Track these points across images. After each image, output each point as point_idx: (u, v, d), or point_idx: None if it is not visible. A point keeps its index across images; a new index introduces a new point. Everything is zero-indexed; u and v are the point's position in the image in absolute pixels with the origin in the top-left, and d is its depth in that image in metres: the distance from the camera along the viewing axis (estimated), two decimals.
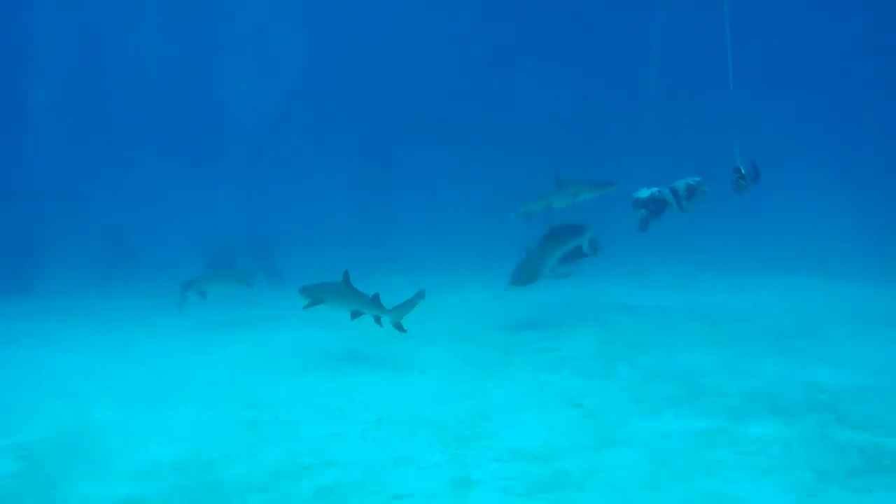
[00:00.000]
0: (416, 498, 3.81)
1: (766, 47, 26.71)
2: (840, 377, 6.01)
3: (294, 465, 4.42)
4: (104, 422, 5.58)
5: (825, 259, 15.42)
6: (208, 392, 6.46)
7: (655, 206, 8.34)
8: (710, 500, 3.61)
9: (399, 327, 7.26)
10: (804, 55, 28.19)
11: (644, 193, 8.42)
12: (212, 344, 9.19)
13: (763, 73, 26.00)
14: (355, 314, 7.28)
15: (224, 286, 11.31)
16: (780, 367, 6.49)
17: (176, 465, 4.52)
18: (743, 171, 6.95)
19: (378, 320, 7.31)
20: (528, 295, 9.47)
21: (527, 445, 4.57)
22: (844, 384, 5.76)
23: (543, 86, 30.66)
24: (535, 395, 5.87)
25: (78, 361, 8.27)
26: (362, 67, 33.62)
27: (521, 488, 3.86)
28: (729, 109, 7.41)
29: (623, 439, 4.63)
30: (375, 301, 7.24)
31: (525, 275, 8.67)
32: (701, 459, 4.19)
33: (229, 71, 32.13)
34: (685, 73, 25.72)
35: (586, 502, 3.65)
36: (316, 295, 7.57)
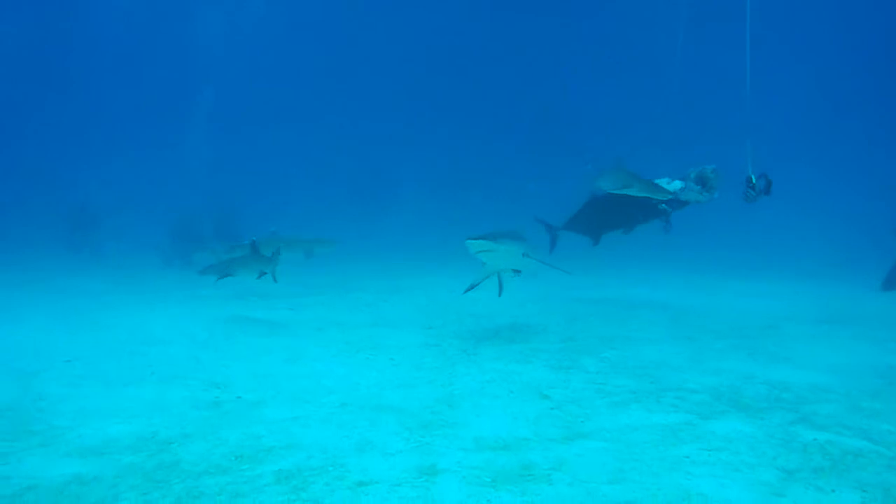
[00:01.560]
0: (380, 485, 3.71)
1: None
2: (802, 377, 6.07)
3: (255, 447, 4.29)
4: (55, 397, 5.36)
5: (800, 262, 15.77)
6: (170, 369, 6.27)
7: (677, 205, 8.28)
8: (677, 497, 3.58)
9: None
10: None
11: (666, 185, 8.22)
12: (175, 319, 8.97)
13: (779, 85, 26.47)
14: (260, 274, 8.75)
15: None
16: (745, 365, 6.54)
17: (131, 444, 4.35)
18: (753, 181, 7.01)
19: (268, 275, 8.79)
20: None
21: (494, 435, 4.51)
22: (806, 383, 5.82)
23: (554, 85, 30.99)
24: (502, 384, 5.82)
25: (31, 334, 7.97)
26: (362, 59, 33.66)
27: (488, 478, 3.79)
28: (745, 118, 7.43)
29: (590, 432, 4.59)
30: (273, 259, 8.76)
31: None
32: (668, 455, 4.17)
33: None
34: (706, 79, 26.02)
35: (553, 495, 3.60)
36: (222, 269, 8.97)
